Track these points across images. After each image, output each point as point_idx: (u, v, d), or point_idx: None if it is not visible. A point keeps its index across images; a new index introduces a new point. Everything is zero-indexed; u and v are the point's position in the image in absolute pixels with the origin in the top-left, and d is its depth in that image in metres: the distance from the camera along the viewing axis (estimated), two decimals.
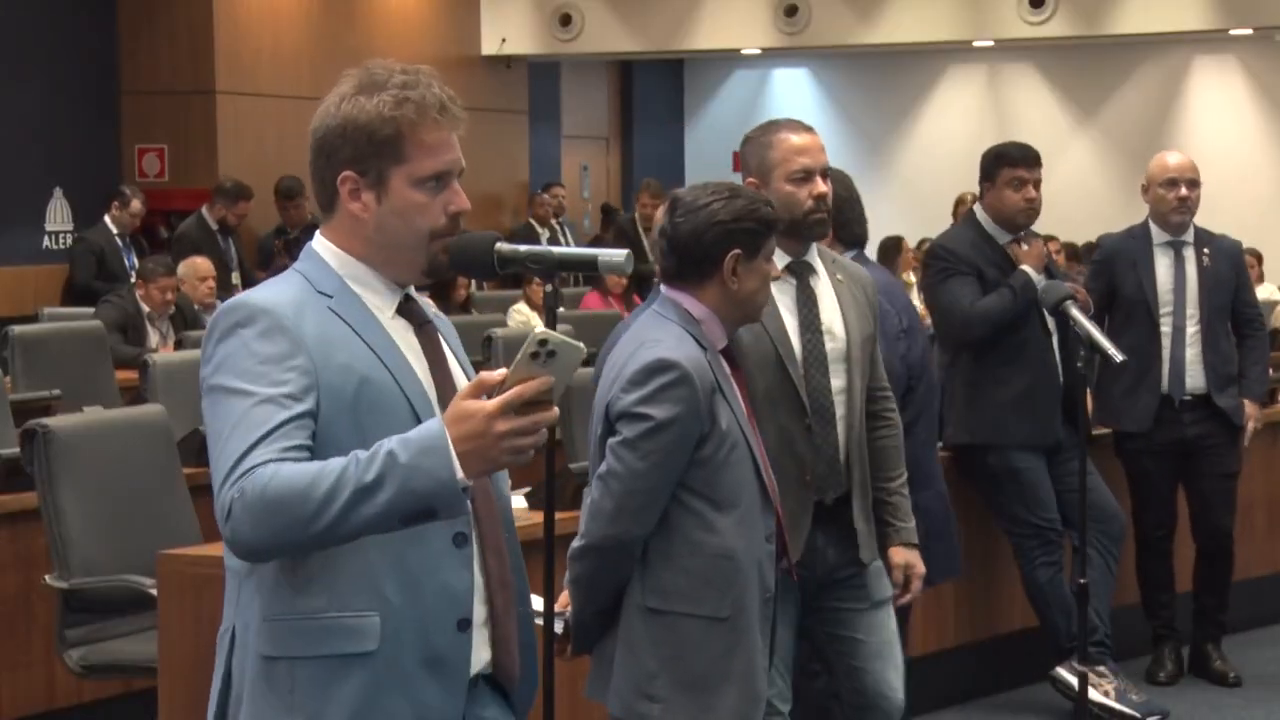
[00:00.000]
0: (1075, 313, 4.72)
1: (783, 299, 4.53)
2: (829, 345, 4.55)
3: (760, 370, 4.43)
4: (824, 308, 4.59)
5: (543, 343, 2.66)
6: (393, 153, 2.91)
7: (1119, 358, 4.90)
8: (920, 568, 4.72)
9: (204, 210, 13.13)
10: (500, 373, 2.70)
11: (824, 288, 4.62)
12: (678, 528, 3.91)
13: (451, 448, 2.68)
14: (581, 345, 2.71)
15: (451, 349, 3.07)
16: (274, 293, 2.90)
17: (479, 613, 2.95)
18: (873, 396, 4.69)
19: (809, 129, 4.71)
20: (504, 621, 3.00)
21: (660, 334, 3.95)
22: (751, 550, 3.93)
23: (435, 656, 2.90)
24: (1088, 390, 5.21)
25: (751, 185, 4.59)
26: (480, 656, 2.97)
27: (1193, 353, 7.20)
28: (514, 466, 2.78)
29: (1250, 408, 7.29)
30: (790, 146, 4.65)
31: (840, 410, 4.54)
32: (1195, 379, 7.20)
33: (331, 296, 2.91)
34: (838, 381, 4.55)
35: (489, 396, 2.69)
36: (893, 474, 4.73)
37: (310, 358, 2.83)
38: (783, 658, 4.44)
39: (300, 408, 2.80)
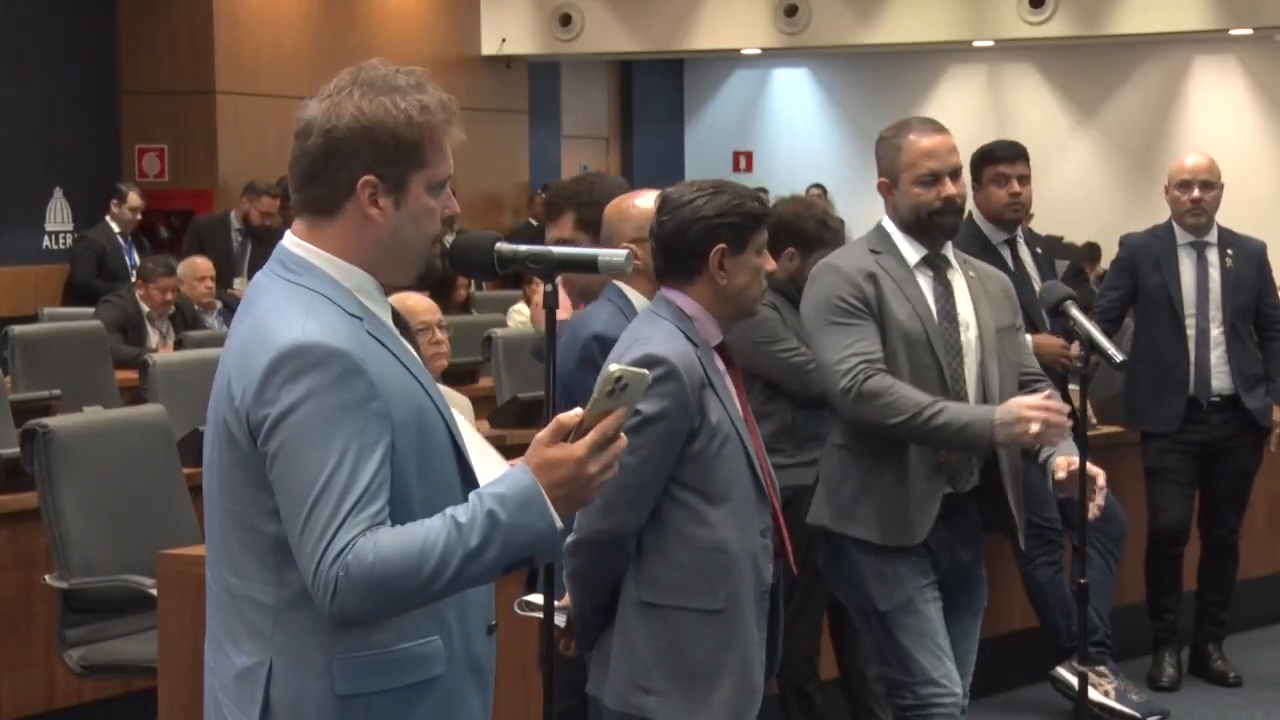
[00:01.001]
0: (1075, 313, 4.73)
1: (924, 287, 4.73)
2: (964, 335, 4.72)
3: (909, 349, 4.64)
4: (959, 299, 4.75)
5: (618, 379, 2.72)
6: (417, 158, 2.86)
7: (1119, 358, 4.89)
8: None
9: (231, 213, 13.18)
10: (576, 413, 2.74)
11: (958, 281, 4.79)
12: (671, 522, 3.95)
13: (546, 498, 2.72)
14: (647, 372, 2.77)
15: None
16: (326, 326, 2.78)
17: None
18: (1023, 382, 4.84)
19: (940, 129, 4.82)
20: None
21: (651, 331, 3.99)
22: (745, 543, 3.96)
23: (475, 664, 2.94)
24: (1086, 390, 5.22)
25: (883, 185, 4.78)
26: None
27: (1217, 354, 7.20)
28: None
29: (1278, 412, 7.29)
30: (919, 150, 4.76)
31: (972, 398, 4.70)
32: (1221, 381, 7.20)
33: (361, 319, 2.84)
34: (972, 370, 4.73)
35: (568, 437, 2.73)
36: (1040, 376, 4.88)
37: (383, 399, 2.78)
38: (944, 641, 4.68)
39: (381, 453, 2.75)
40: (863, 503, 4.70)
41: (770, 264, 4.08)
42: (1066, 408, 4.61)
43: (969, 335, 4.74)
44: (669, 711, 3.91)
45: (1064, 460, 4.61)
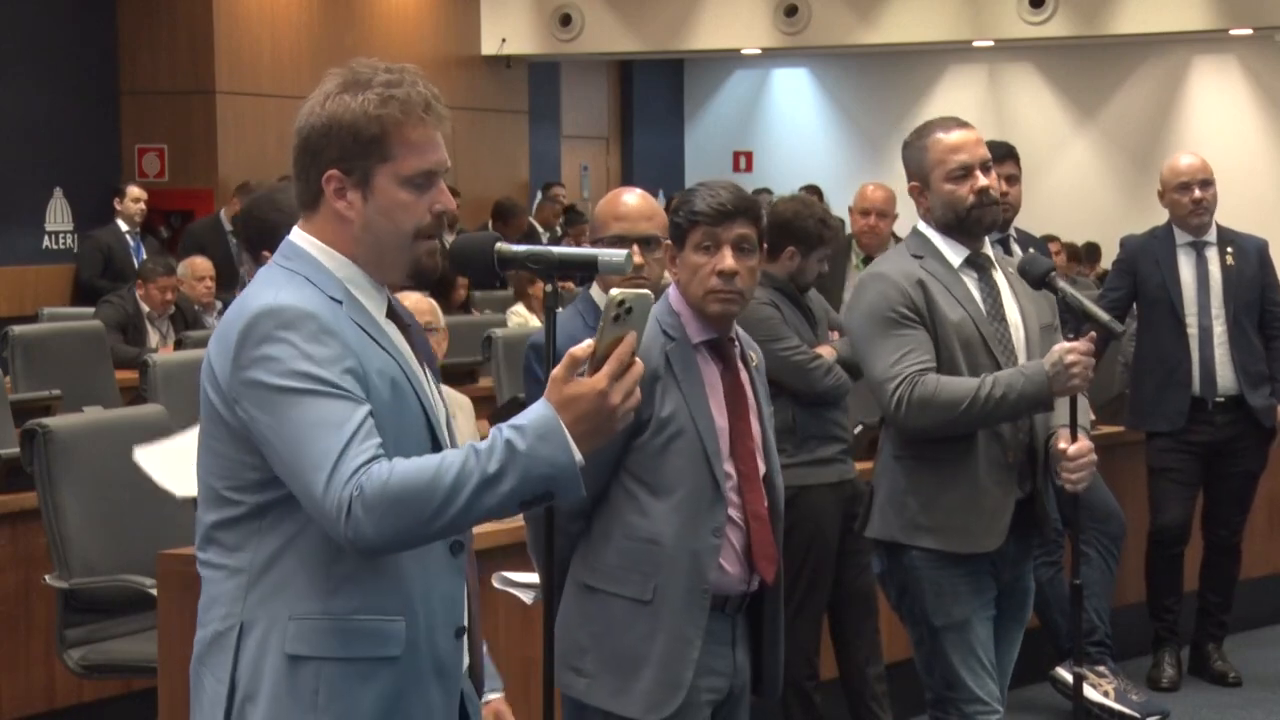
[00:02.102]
0: (1063, 284, 4.67)
1: (970, 288, 4.69)
2: (1014, 335, 4.70)
3: (966, 350, 4.61)
4: (1005, 299, 4.73)
5: (621, 303, 2.72)
6: (378, 151, 2.88)
7: (1119, 328, 4.87)
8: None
9: (221, 211, 13.13)
10: (587, 345, 2.74)
11: (1001, 280, 4.75)
12: (617, 510, 4.00)
13: (567, 431, 2.71)
14: (649, 293, 2.78)
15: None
16: (301, 297, 2.83)
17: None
18: None
19: (963, 124, 4.78)
20: (475, 626, 3.04)
21: None
22: (684, 540, 3.97)
23: (440, 663, 2.92)
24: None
25: (914, 189, 4.74)
26: (464, 661, 3.01)
27: (1221, 353, 7.19)
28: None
29: None
30: (945, 146, 4.71)
31: None
32: (1226, 379, 7.19)
33: (341, 303, 2.87)
34: None
35: (584, 370, 2.73)
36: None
37: (357, 362, 2.81)
38: (992, 661, 4.66)
39: (367, 406, 2.78)
40: (932, 513, 4.63)
41: (721, 263, 4.05)
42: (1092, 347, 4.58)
43: (1018, 335, 4.71)
44: (594, 695, 3.98)
45: (1065, 431, 4.61)
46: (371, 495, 2.70)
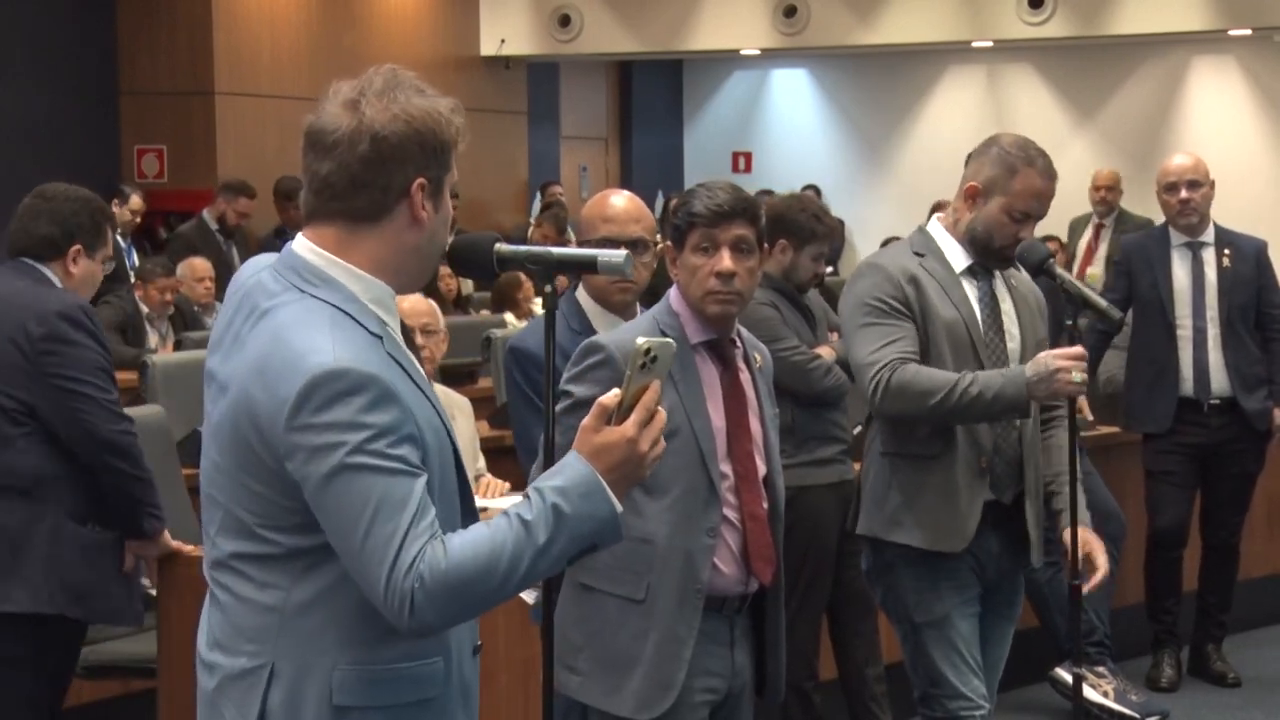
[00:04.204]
0: (1060, 271, 4.67)
1: (969, 292, 4.71)
2: (1009, 345, 4.72)
3: (955, 350, 4.63)
4: (1004, 309, 4.75)
5: (647, 352, 2.76)
6: (448, 161, 2.87)
7: (1117, 314, 4.88)
8: (1097, 544, 4.74)
9: (205, 212, 13.06)
10: (614, 394, 2.78)
11: (1002, 290, 4.77)
12: None
13: (604, 484, 2.75)
14: (671, 340, 2.82)
15: None
16: (355, 350, 2.75)
17: None
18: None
19: (1054, 176, 4.77)
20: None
21: (630, 322, 4.07)
22: (678, 540, 3.98)
23: (465, 687, 2.95)
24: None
25: (971, 190, 4.71)
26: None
27: (1215, 355, 7.18)
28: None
29: (1279, 414, 7.27)
30: (1033, 188, 4.70)
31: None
32: (1220, 382, 7.18)
33: (380, 338, 2.81)
34: None
35: (611, 419, 2.77)
36: (1061, 469, 4.82)
37: (415, 423, 2.78)
38: (977, 658, 4.69)
39: (425, 476, 2.76)
40: (910, 510, 4.68)
41: (718, 264, 4.05)
42: (1085, 353, 4.59)
43: (1013, 345, 4.73)
44: (587, 693, 4.00)
45: (1068, 534, 4.67)
46: (433, 586, 2.69)
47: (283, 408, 2.71)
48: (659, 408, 2.80)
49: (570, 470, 2.76)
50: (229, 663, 2.86)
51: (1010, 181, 4.68)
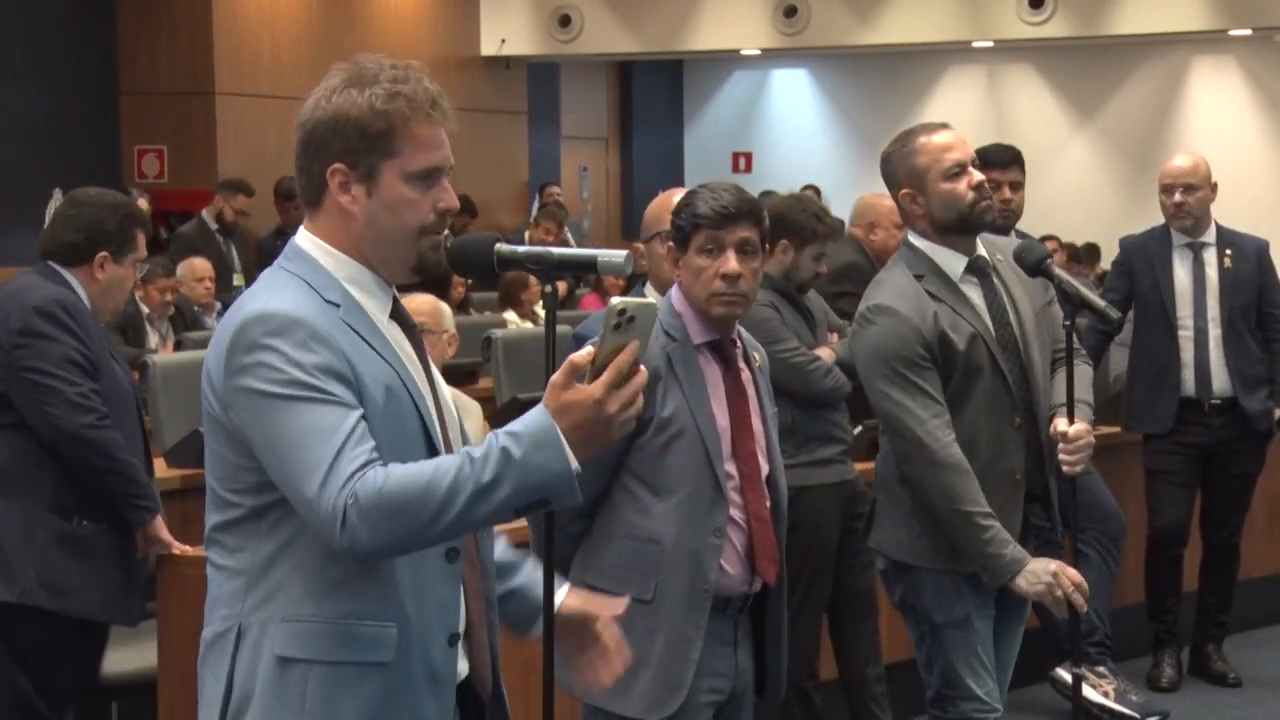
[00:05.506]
0: (1058, 271, 4.64)
1: (975, 300, 4.62)
2: (1015, 334, 4.64)
3: (977, 376, 4.53)
4: (1005, 301, 4.67)
5: (621, 312, 2.72)
6: (384, 146, 2.88)
7: (1115, 314, 4.85)
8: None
9: (204, 212, 13.07)
10: (587, 351, 2.74)
11: (998, 282, 4.69)
12: (618, 509, 4.02)
13: (563, 438, 2.71)
14: (653, 301, 2.77)
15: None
16: (295, 302, 2.82)
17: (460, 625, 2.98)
18: (1053, 359, 4.74)
19: (946, 125, 4.73)
20: (478, 632, 3.02)
21: None
22: (685, 540, 3.98)
23: (432, 670, 2.91)
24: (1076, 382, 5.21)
25: (907, 196, 4.63)
26: (460, 668, 2.99)
27: (1216, 355, 7.17)
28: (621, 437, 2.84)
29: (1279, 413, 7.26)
30: (937, 146, 4.64)
31: (1038, 395, 4.63)
32: (1221, 382, 7.17)
33: (339, 306, 2.86)
34: (1037, 367, 4.64)
35: (583, 377, 2.73)
36: (1063, 401, 4.73)
37: (350, 368, 2.80)
38: (991, 659, 4.64)
39: (359, 411, 2.77)
40: (939, 536, 4.58)
41: (726, 265, 4.05)
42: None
43: (1018, 331, 4.67)
44: (594, 694, 3.94)
45: (1064, 410, 4.58)
46: (366, 502, 2.70)
47: (221, 359, 2.81)
48: (639, 369, 2.75)
49: (529, 420, 2.74)
50: (207, 631, 2.92)
51: (918, 159, 4.62)
